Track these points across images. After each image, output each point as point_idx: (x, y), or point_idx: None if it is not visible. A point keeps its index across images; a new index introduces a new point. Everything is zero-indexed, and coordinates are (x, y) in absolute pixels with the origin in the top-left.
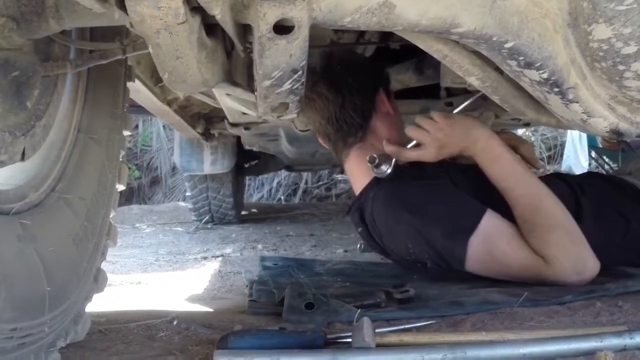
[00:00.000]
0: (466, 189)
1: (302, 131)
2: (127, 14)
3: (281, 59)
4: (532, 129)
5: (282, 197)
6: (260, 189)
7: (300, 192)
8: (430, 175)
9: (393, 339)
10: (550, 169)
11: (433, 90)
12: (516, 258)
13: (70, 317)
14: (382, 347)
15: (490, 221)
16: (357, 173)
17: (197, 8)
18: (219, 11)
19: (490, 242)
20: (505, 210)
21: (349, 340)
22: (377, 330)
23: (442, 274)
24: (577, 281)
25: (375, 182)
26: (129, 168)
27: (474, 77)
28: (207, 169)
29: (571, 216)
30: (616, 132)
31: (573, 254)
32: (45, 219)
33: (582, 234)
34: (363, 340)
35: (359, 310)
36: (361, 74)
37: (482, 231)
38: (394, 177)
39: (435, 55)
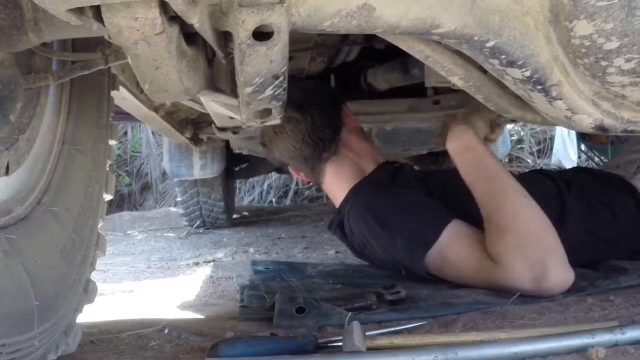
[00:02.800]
0: (443, 195)
1: None
2: (104, 25)
3: (262, 65)
4: (521, 123)
5: (273, 200)
6: (251, 192)
7: (291, 193)
8: (402, 184)
9: (384, 341)
10: (540, 162)
11: (420, 89)
12: (469, 262)
13: (60, 330)
14: (373, 350)
15: (452, 231)
16: (335, 189)
17: (175, 17)
18: (198, 20)
19: (447, 252)
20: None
21: (340, 344)
22: (367, 333)
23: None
24: (535, 290)
25: (351, 195)
26: (119, 175)
27: (457, 77)
28: (197, 173)
29: (546, 220)
30: (601, 128)
31: (530, 258)
32: (32, 232)
33: (557, 241)
34: (353, 344)
35: (349, 313)
36: (321, 94)
37: (441, 243)
38: (367, 188)
39: (417, 56)
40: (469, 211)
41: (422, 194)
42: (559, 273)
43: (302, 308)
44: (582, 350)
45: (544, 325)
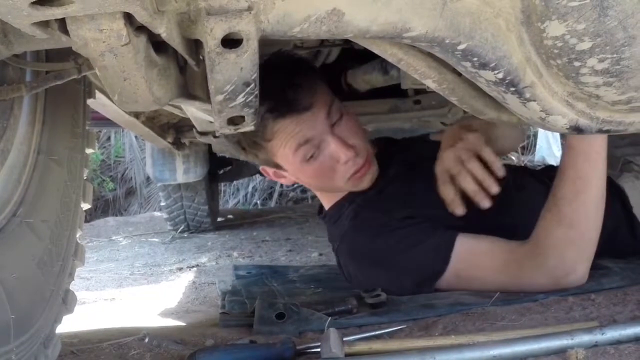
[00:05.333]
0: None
1: None
2: (70, 37)
3: (232, 72)
4: None
5: (258, 202)
6: (236, 195)
7: (276, 195)
8: (389, 204)
9: (362, 347)
10: (524, 159)
11: (401, 89)
12: (491, 269)
13: (39, 342)
14: (351, 356)
15: (461, 250)
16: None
17: (142, 28)
18: (165, 29)
19: (461, 272)
20: (481, 219)
21: (320, 350)
22: (346, 339)
23: None
24: (553, 284)
25: (335, 217)
26: (103, 180)
27: (431, 80)
28: (180, 177)
29: (600, 226)
30: (576, 129)
31: (571, 256)
32: (7, 245)
33: (594, 249)
34: (330, 351)
35: (329, 318)
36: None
37: (451, 268)
38: (355, 221)
39: (390, 60)
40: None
41: (413, 226)
42: (581, 278)
43: (282, 314)
44: (561, 351)
45: (525, 327)
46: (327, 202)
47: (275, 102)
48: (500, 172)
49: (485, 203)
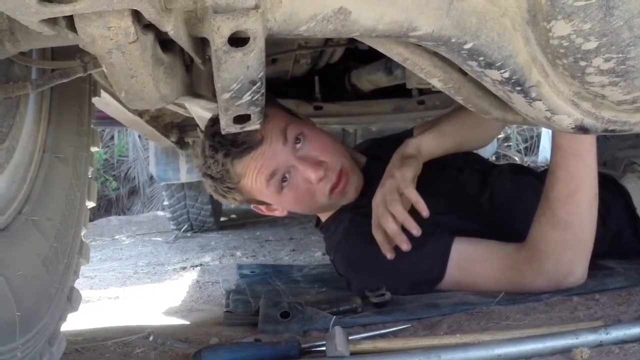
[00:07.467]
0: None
1: None
2: (78, 35)
3: (238, 71)
4: None
5: None
6: None
7: None
8: None
9: (367, 346)
10: (527, 160)
11: (405, 89)
12: (490, 275)
13: (44, 340)
14: (356, 354)
15: (457, 257)
16: None
17: (150, 25)
18: (172, 27)
19: (459, 278)
20: (481, 221)
21: (324, 348)
22: (351, 338)
23: None
24: (553, 286)
25: (331, 222)
26: (106, 179)
27: (436, 79)
28: (184, 177)
29: (595, 225)
30: (581, 128)
31: (568, 258)
32: (13, 242)
33: (591, 247)
34: (335, 349)
35: (334, 317)
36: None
37: (449, 274)
38: (348, 230)
39: (396, 59)
40: (467, 216)
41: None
42: (580, 278)
43: (287, 312)
44: (566, 351)
45: (529, 326)
46: (322, 217)
47: (227, 147)
48: (424, 212)
49: (404, 246)
